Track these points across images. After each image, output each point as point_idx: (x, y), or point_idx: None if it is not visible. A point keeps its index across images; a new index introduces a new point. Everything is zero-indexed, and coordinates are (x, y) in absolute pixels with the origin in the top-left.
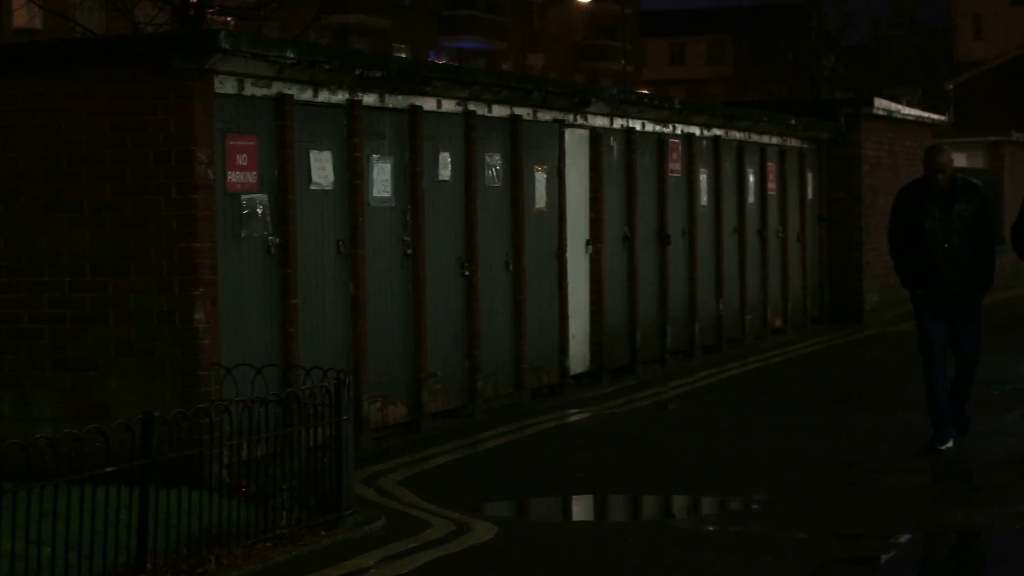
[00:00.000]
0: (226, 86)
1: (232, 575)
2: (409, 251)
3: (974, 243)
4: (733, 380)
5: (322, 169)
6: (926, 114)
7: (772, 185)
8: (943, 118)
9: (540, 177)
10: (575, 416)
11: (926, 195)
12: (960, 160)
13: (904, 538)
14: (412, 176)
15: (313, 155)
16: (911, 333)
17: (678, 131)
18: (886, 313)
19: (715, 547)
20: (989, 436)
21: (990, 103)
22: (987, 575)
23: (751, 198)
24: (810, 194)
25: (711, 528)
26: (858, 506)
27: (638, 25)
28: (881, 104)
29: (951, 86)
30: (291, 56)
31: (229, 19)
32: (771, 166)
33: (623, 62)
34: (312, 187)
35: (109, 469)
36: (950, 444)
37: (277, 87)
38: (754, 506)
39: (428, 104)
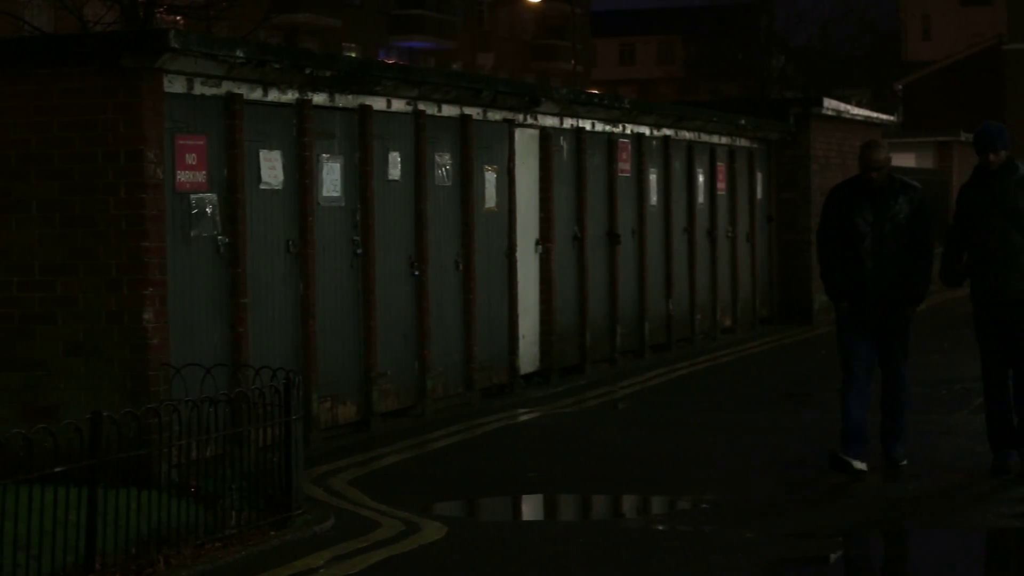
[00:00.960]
0: (175, 85)
1: (181, 575)
2: (359, 251)
3: (910, 250)
4: (683, 380)
5: (272, 168)
6: (875, 114)
7: (722, 185)
8: (892, 118)
9: (490, 177)
10: (525, 416)
11: (859, 195)
12: (909, 160)
13: (851, 537)
14: (362, 176)
15: (263, 154)
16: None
17: (628, 131)
18: (833, 313)
19: (664, 547)
20: (938, 435)
21: (939, 103)
22: (931, 573)
23: (701, 198)
24: (759, 194)
25: (661, 528)
26: (808, 505)
27: (588, 25)
28: (830, 104)
29: (900, 86)
30: (241, 55)
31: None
32: (721, 166)
33: (573, 62)
34: (262, 186)
35: (58, 469)
36: (862, 467)
37: (227, 86)
38: (704, 505)
39: (378, 104)
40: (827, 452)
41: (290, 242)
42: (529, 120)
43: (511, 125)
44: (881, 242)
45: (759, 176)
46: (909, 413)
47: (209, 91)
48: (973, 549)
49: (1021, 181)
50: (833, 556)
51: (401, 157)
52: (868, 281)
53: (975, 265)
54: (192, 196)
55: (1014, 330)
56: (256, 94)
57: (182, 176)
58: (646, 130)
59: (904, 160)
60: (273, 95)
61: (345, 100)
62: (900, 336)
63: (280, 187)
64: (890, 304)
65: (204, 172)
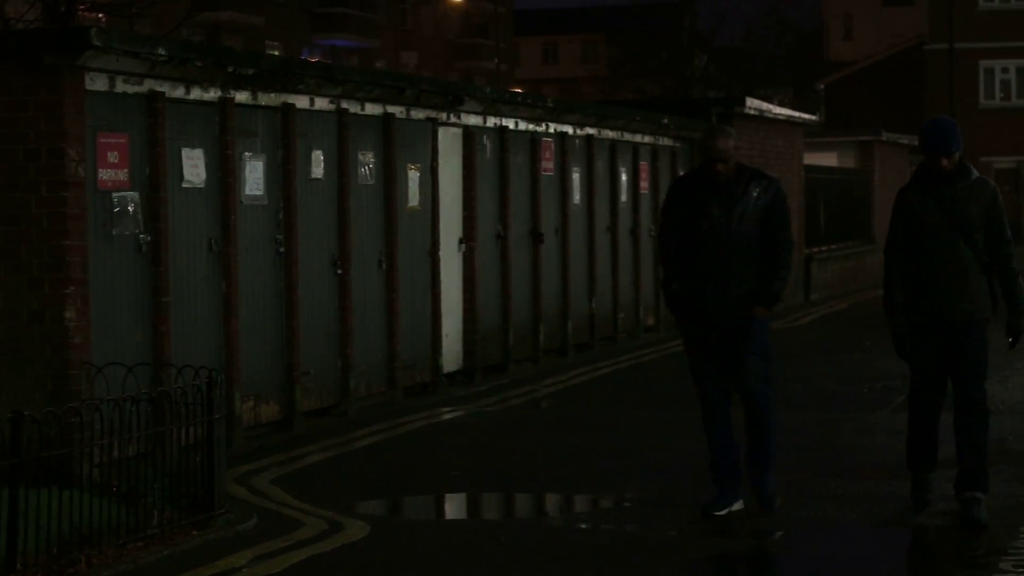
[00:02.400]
0: (97, 83)
1: (103, 575)
2: (281, 249)
3: (762, 250)
4: (606, 378)
5: (194, 167)
6: (797, 114)
7: (645, 184)
8: (814, 117)
9: (413, 175)
10: (448, 415)
11: (704, 189)
12: (831, 160)
13: (777, 535)
14: (285, 174)
15: (185, 153)
16: (784, 331)
17: (551, 130)
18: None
19: (588, 545)
20: (860, 434)
21: (860, 103)
22: (855, 571)
23: (624, 197)
24: None
25: (584, 526)
26: None
27: (512, 24)
28: (752, 104)
29: (822, 86)
30: (163, 53)
31: (100, 16)
32: (644, 165)
33: (496, 61)
34: (184, 185)
35: None
36: (738, 506)
37: (149, 84)
38: (627, 504)
39: (301, 102)
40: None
41: (212, 241)
42: (452, 119)
43: (434, 124)
44: (730, 241)
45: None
46: (828, 414)
47: (131, 89)
48: (896, 546)
49: (975, 187)
50: (758, 554)
51: (324, 156)
52: (715, 287)
53: (917, 283)
54: (114, 194)
55: (960, 357)
56: (178, 92)
57: (104, 174)
58: (569, 129)
59: (826, 159)
60: (195, 93)
61: (268, 98)
62: (757, 353)
63: (202, 185)
64: (742, 312)
65: (126, 170)
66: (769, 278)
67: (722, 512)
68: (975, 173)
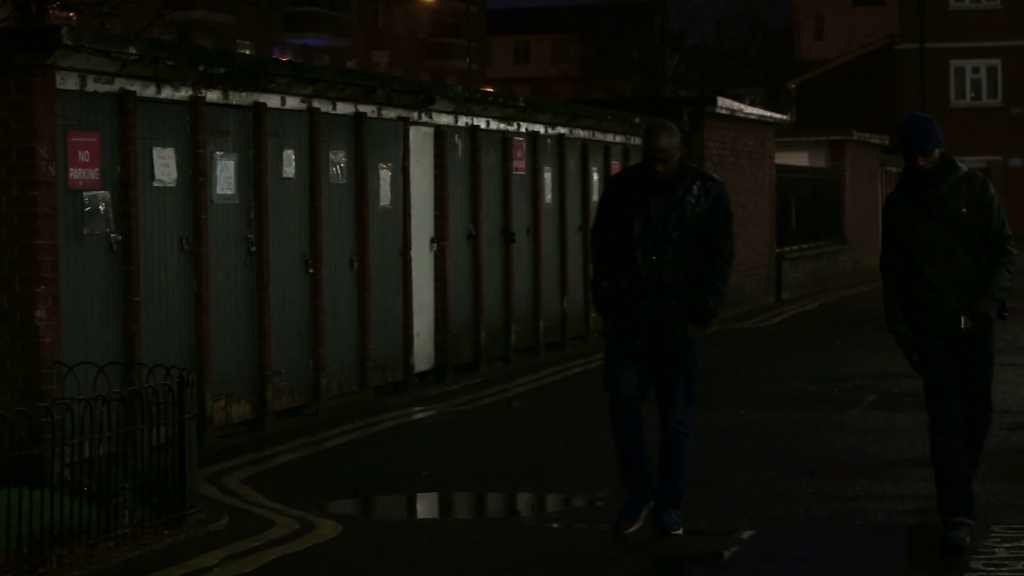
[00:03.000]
0: (68, 82)
1: (74, 575)
2: (253, 249)
3: (702, 256)
4: (577, 378)
5: (165, 166)
6: (768, 113)
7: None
8: (785, 117)
9: (384, 175)
10: (420, 414)
11: (642, 188)
12: (802, 159)
13: (747, 534)
14: (256, 173)
15: (156, 152)
16: (755, 331)
17: (523, 129)
18: (728, 311)
19: (559, 544)
20: (831, 433)
21: (832, 103)
22: (826, 569)
23: (595, 196)
24: None
25: (556, 525)
26: (702, 502)
27: (483, 23)
28: (724, 103)
29: (793, 86)
30: (134, 52)
31: (71, 14)
32: (615, 164)
33: (468, 60)
34: (155, 184)
35: None
36: (636, 527)
37: (120, 83)
38: (598, 503)
39: (272, 101)
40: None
41: (183, 240)
42: (424, 118)
43: (406, 123)
44: (666, 247)
45: None
46: (799, 413)
47: (102, 88)
48: (867, 545)
49: (961, 183)
50: (727, 553)
51: (295, 155)
52: (646, 294)
53: (916, 297)
54: (85, 193)
55: (967, 369)
56: (149, 91)
57: (75, 173)
58: (541, 128)
59: (797, 159)
60: (166, 92)
61: (239, 97)
62: (682, 366)
63: (173, 185)
64: (672, 322)
65: (97, 169)
66: (705, 293)
67: (630, 529)
68: (962, 168)
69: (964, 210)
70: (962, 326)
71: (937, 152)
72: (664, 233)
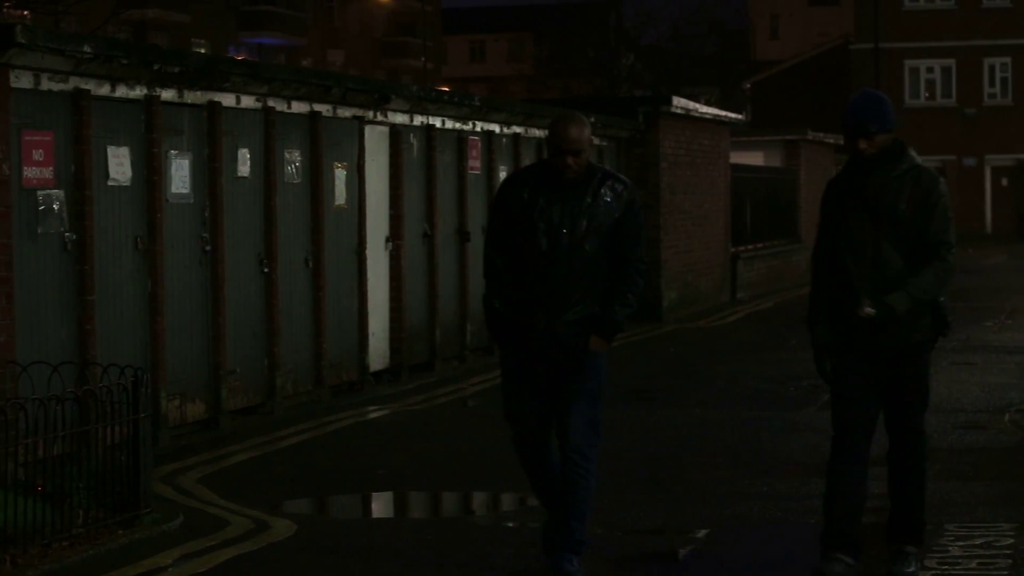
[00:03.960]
0: (22, 81)
1: (28, 575)
2: (208, 248)
3: (611, 264)
4: None
5: (120, 165)
6: (724, 113)
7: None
8: (741, 117)
9: (340, 174)
10: (375, 413)
11: (545, 190)
12: (757, 159)
13: (702, 533)
14: (211, 172)
15: (111, 151)
16: (710, 330)
17: (478, 128)
18: (683, 310)
19: (514, 543)
20: (786, 432)
21: (787, 102)
22: (779, 568)
23: None
24: None
25: (510, 524)
26: (658, 501)
27: (439, 22)
28: (679, 103)
29: (748, 85)
30: (88, 51)
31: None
32: None
33: (423, 59)
34: (110, 183)
35: None
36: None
37: (74, 82)
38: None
39: (227, 100)
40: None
41: (138, 239)
42: (379, 117)
43: (361, 122)
44: (572, 258)
45: None
46: (753, 412)
47: (56, 87)
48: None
49: (906, 177)
50: (682, 552)
51: (250, 154)
52: (546, 311)
53: (841, 296)
54: (39, 192)
55: (893, 390)
56: (104, 90)
57: (29, 172)
58: (496, 128)
59: (752, 158)
60: (121, 91)
61: (194, 96)
62: (584, 387)
63: (128, 183)
64: (576, 342)
65: (51, 168)
66: (612, 303)
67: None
68: (912, 160)
69: (903, 207)
70: (861, 312)
71: (883, 137)
72: (573, 243)
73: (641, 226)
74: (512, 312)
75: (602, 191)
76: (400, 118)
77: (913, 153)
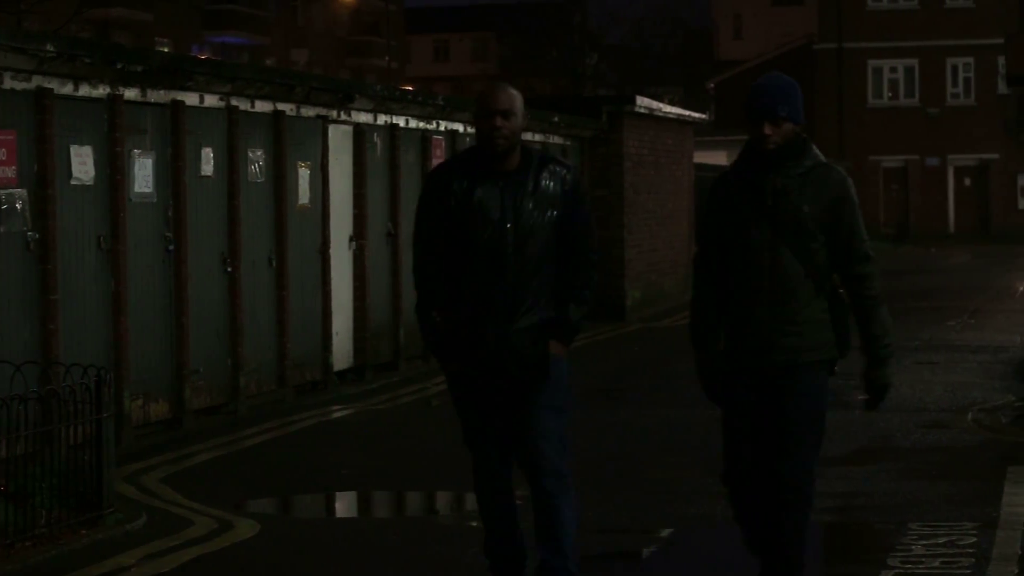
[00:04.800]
0: None
1: None
2: (171, 247)
3: (558, 260)
4: None
5: (83, 164)
6: (687, 112)
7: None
8: (704, 116)
9: (303, 173)
10: (339, 413)
11: (479, 180)
12: (721, 158)
13: (666, 532)
14: (174, 171)
15: (73, 150)
16: (673, 329)
17: (442, 128)
18: (647, 310)
19: (478, 543)
20: None
21: None
22: (743, 567)
23: None
24: None
25: (474, 524)
26: (622, 501)
27: (402, 21)
28: (643, 102)
29: (712, 85)
30: (51, 49)
31: None
32: None
33: (387, 58)
34: (72, 182)
35: None
36: None
37: (37, 81)
38: (517, 502)
39: (190, 99)
40: None
41: (101, 238)
42: (343, 116)
43: (325, 121)
44: (518, 256)
45: None
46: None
47: (19, 85)
48: None
49: (813, 176)
50: (646, 551)
51: (214, 153)
52: (495, 319)
53: (732, 309)
54: (1, 192)
55: (777, 419)
56: (67, 89)
57: None
58: (460, 127)
59: (716, 158)
60: (84, 90)
61: (157, 95)
62: (550, 399)
63: (91, 182)
64: (532, 350)
65: (13, 167)
66: (567, 303)
67: None
68: (816, 157)
69: (806, 209)
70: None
71: (790, 128)
72: (520, 238)
73: (589, 213)
74: (454, 324)
75: (543, 177)
76: (364, 117)
77: (817, 150)
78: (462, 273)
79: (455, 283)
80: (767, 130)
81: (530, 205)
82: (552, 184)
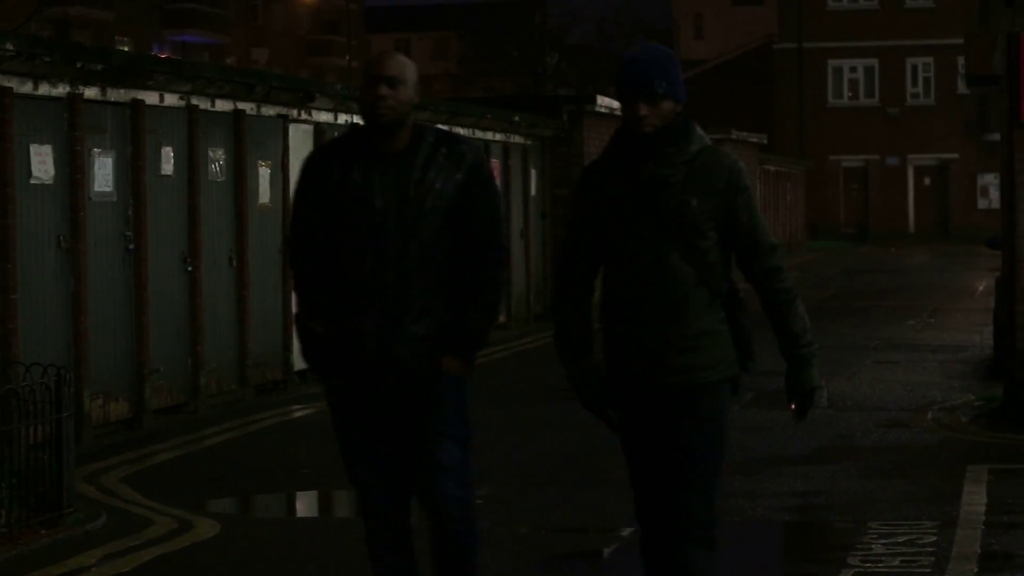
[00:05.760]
0: None
1: None
2: (131, 246)
3: (458, 260)
4: None
5: (42, 163)
6: None
7: (496, 181)
8: None
9: (264, 172)
10: (299, 412)
11: (361, 164)
12: None
13: (627, 531)
14: (134, 171)
15: (33, 149)
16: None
17: None
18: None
19: None
20: None
21: (711, 101)
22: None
23: None
24: (533, 191)
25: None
26: (583, 500)
27: (363, 20)
28: (603, 102)
29: None
30: (11, 48)
31: None
32: (495, 163)
33: (348, 58)
34: (32, 181)
35: None
36: None
37: None
38: (478, 500)
39: (150, 98)
40: None
41: (61, 237)
42: (303, 116)
43: (285, 120)
44: (404, 250)
45: (533, 173)
46: None
47: None
48: (744, 542)
49: (699, 163)
50: (607, 551)
51: (174, 152)
52: (377, 325)
53: (611, 324)
54: None
55: (670, 449)
56: (26, 88)
57: None
58: None
59: None
60: (44, 89)
61: (117, 94)
62: (448, 424)
63: (51, 182)
64: (422, 365)
65: None
66: (466, 308)
67: None
68: (702, 140)
69: (694, 203)
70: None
71: (670, 108)
72: (405, 229)
73: (496, 200)
74: (333, 333)
75: (438, 157)
76: (324, 116)
77: (702, 132)
78: (340, 272)
79: (334, 284)
80: (642, 110)
81: (420, 190)
82: (448, 166)
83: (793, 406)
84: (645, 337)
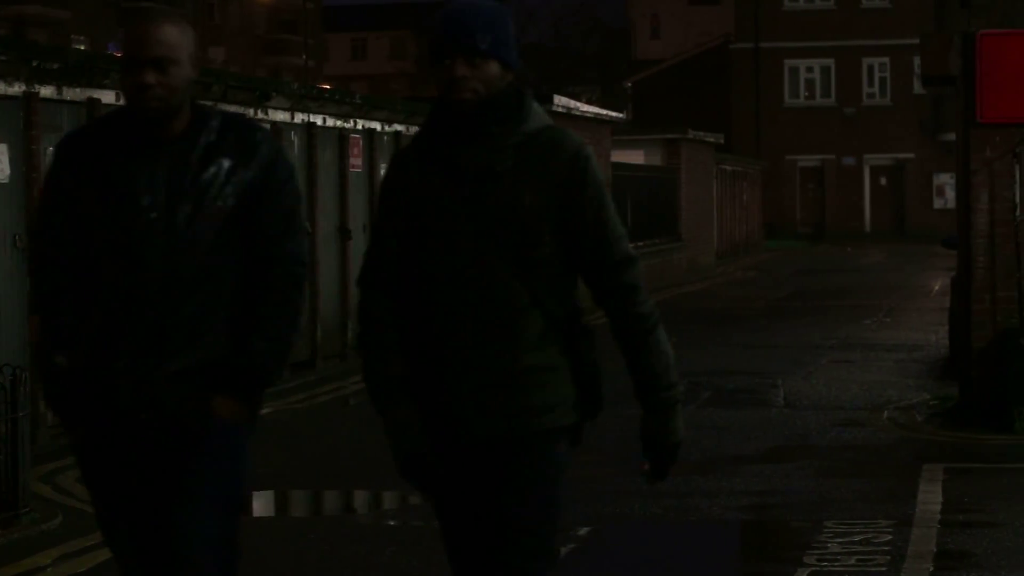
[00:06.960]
0: None
1: None
2: None
3: (244, 276)
4: None
5: None
6: (604, 111)
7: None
8: (621, 116)
9: None
10: None
11: (123, 146)
12: (638, 157)
13: (584, 531)
14: None
15: None
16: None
17: (359, 126)
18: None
19: (396, 542)
20: None
21: (668, 101)
22: (661, 566)
23: None
24: None
25: (392, 523)
26: None
27: (320, 20)
28: (560, 101)
29: (629, 84)
30: None
31: None
32: None
33: (305, 57)
34: None
35: None
36: None
37: None
38: None
39: (107, 97)
40: None
41: (17, 237)
42: (260, 115)
43: None
44: (170, 256)
45: None
46: (632, 410)
47: None
48: (701, 541)
49: (533, 147)
50: (564, 550)
51: None
52: (132, 356)
53: (420, 355)
54: None
55: (495, 509)
56: None
57: None
58: (377, 126)
59: (633, 157)
60: None
61: (73, 93)
62: (207, 483)
63: (7, 181)
64: (181, 399)
65: None
66: (248, 337)
67: None
68: (540, 119)
69: (527, 200)
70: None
71: (497, 72)
72: (173, 235)
73: (296, 203)
74: (80, 368)
75: (223, 146)
76: (281, 116)
77: (540, 109)
78: (90, 288)
79: (83, 304)
80: (460, 69)
81: (198, 187)
82: (233, 155)
83: (646, 466)
84: (461, 373)
